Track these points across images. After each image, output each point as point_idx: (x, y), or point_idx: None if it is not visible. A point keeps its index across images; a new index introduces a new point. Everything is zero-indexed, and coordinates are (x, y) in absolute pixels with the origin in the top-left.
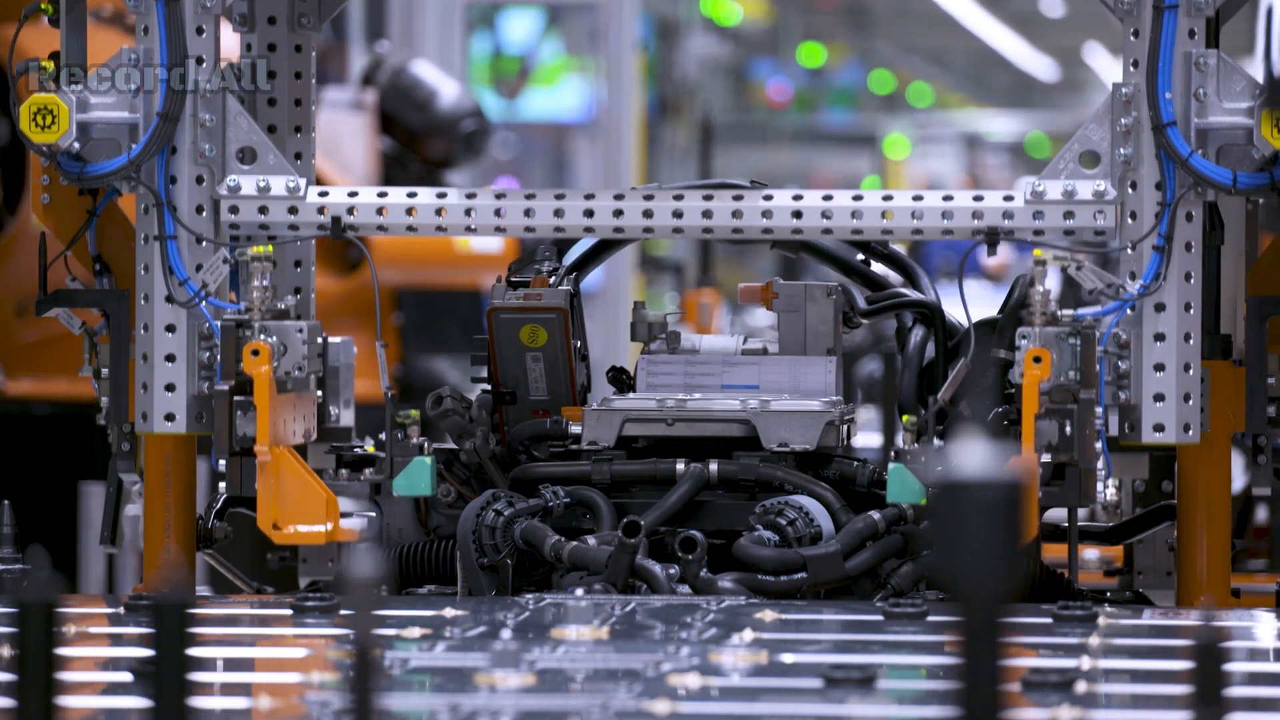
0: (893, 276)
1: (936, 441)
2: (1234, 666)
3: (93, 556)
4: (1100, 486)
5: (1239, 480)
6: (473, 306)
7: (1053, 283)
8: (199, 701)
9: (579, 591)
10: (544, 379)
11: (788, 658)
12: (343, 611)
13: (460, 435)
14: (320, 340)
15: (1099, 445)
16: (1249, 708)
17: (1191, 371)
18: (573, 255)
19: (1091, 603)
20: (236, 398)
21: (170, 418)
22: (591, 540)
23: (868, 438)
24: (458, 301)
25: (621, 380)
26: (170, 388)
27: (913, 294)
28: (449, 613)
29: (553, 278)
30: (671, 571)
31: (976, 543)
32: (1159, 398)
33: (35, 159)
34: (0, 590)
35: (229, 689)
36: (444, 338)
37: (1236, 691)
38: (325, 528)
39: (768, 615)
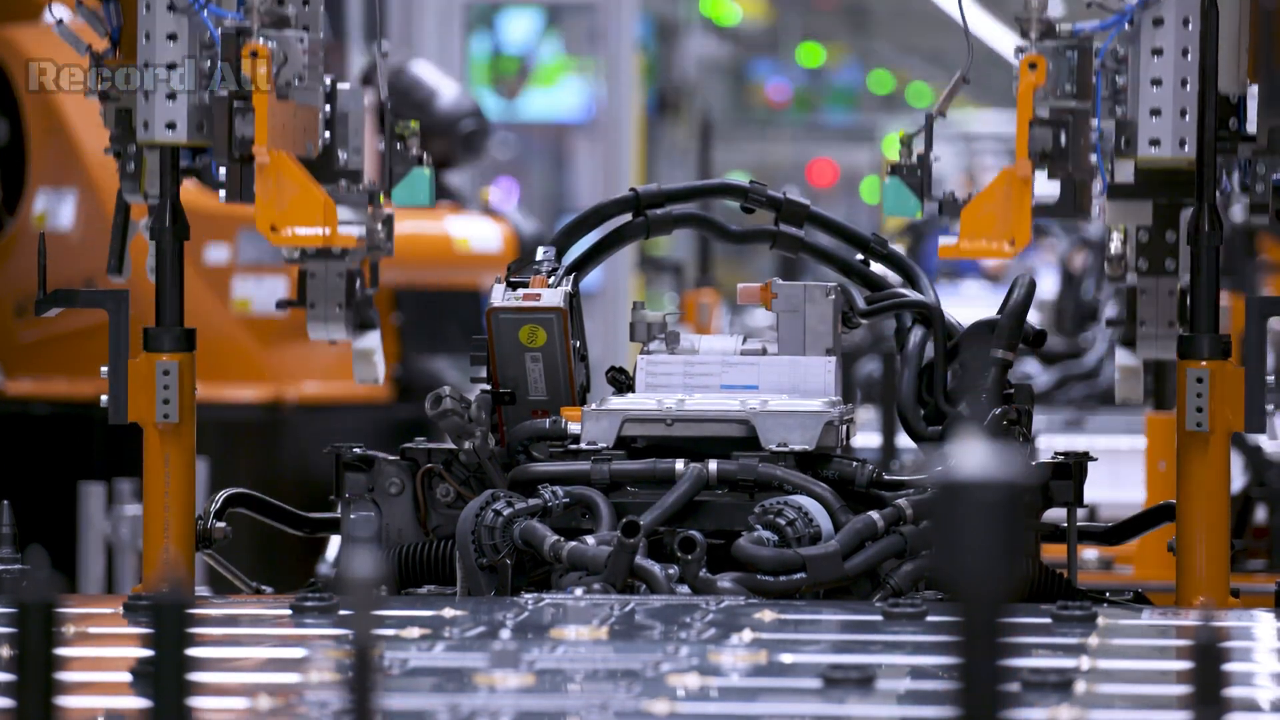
0: (892, 277)
1: (934, 153)
2: (1234, 666)
3: (93, 556)
4: (1097, 208)
5: (1238, 480)
6: (472, 306)
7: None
8: (199, 701)
9: (578, 591)
10: (543, 379)
11: (787, 658)
12: (342, 611)
13: (459, 435)
14: (326, 74)
15: (1094, 157)
16: (1249, 708)
17: (1189, 88)
18: (572, 255)
19: (1091, 603)
20: (236, 102)
21: (171, 126)
22: (591, 540)
23: (867, 438)
24: (457, 301)
25: (620, 380)
26: (171, 96)
27: (912, 294)
28: (448, 613)
29: (552, 278)
30: (670, 571)
31: (976, 543)
32: (1155, 112)
33: None
34: (0, 590)
35: (229, 689)
36: (443, 338)
37: (1236, 691)
38: (323, 231)
39: (767, 615)
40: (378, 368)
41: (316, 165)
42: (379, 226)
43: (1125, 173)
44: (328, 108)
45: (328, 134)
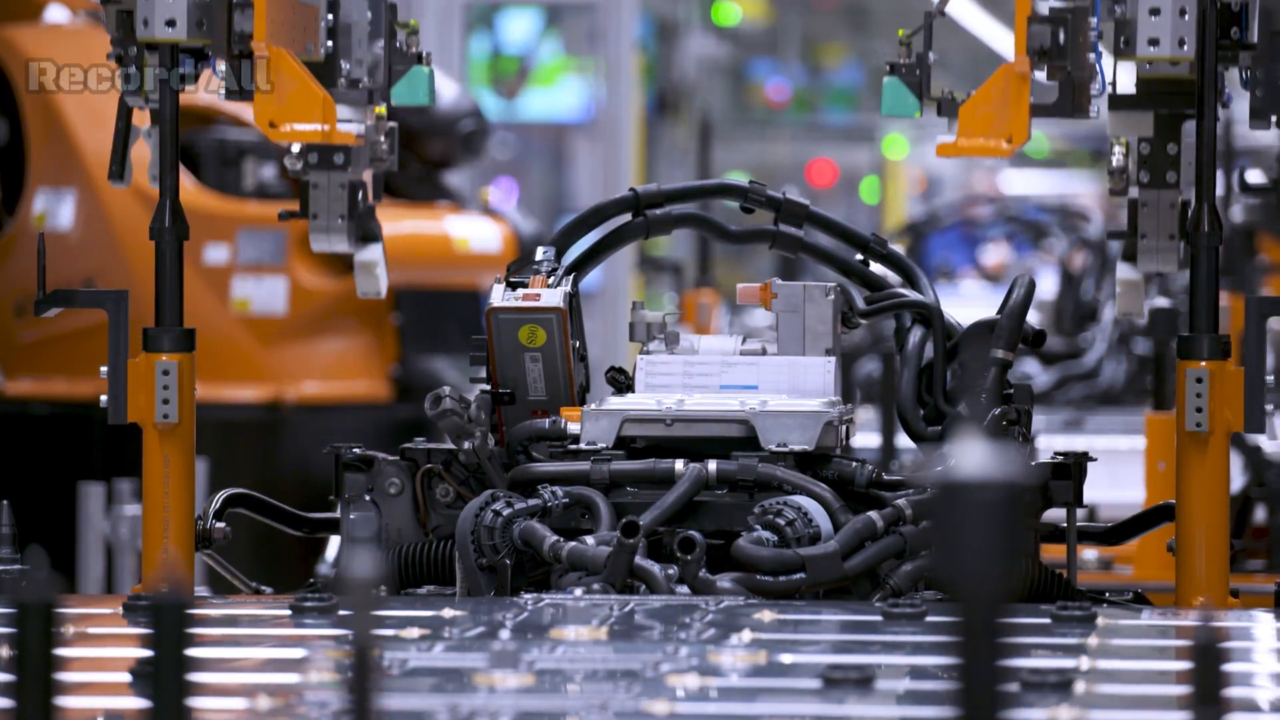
0: (891, 277)
1: (933, 56)
2: (1233, 666)
3: (92, 556)
4: (1095, 104)
5: (1238, 480)
6: (471, 306)
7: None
8: (198, 701)
9: (577, 592)
10: (543, 379)
11: (786, 658)
12: (342, 612)
13: (459, 435)
14: None
15: (1093, 56)
16: (1249, 708)
17: None
18: (571, 255)
19: (1090, 603)
20: None
21: (171, 23)
22: (590, 540)
23: (867, 438)
24: (456, 301)
25: (620, 380)
26: None
27: (911, 294)
28: (448, 613)
29: (551, 278)
30: (670, 572)
31: (976, 543)
32: (1155, 11)
33: None
34: (0, 590)
35: (229, 689)
36: (443, 338)
37: (1236, 691)
38: (322, 127)
39: (766, 615)
40: (380, 280)
41: (320, 75)
42: (381, 138)
43: (1126, 83)
44: (330, 16)
45: (330, 43)
